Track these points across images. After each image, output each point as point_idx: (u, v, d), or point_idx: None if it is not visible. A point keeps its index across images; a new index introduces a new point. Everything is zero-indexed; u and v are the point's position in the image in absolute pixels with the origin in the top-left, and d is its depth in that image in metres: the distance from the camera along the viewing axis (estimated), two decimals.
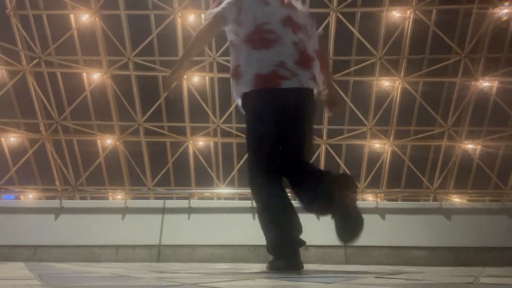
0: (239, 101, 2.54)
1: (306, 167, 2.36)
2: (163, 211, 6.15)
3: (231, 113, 12.14)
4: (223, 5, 2.44)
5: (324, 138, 12.44)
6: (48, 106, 11.77)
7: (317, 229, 6.12)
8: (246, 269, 2.97)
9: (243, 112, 2.53)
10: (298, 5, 2.62)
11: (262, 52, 2.38)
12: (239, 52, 2.48)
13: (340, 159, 12.52)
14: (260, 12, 2.42)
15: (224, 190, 12.09)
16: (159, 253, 5.80)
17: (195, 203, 6.39)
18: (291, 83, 2.34)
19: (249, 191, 2.51)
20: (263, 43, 2.39)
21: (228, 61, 11.69)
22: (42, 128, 12.21)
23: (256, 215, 2.56)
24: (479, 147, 12.16)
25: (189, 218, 6.08)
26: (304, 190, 2.30)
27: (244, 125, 2.53)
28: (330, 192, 2.10)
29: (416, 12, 11.13)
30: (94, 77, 11.90)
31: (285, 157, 2.38)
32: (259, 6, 2.44)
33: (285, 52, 2.38)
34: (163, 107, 12.28)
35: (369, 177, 12.43)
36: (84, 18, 11.29)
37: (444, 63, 11.53)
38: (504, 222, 5.91)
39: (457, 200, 9.49)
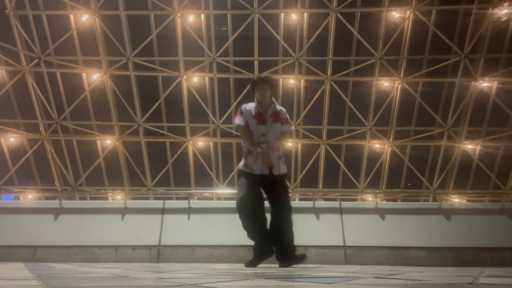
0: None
1: None
2: (163, 211, 6.15)
3: (230, 113, 12.13)
4: None
5: (323, 138, 12.43)
6: (47, 106, 11.76)
7: (317, 229, 6.11)
8: (246, 269, 2.97)
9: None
10: None
11: None
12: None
13: (339, 159, 12.51)
14: None
15: (224, 190, 12.07)
16: (159, 253, 5.80)
17: (194, 203, 6.38)
18: None
19: None
20: None
21: (227, 62, 11.73)
22: (41, 128, 12.20)
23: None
24: (478, 147, 12.15)
25: (188, 219, 6.08)
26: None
27: None
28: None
29: (416, 12, 11.14)
30: (94, 77, 11.89)
31: None
32: None
33: None
34: (163, 107, 12.27)
35: (369, 178, 12.42)
36: (83, 18, 11.28)
37: (443, 64, 11.52)
38: (504, 222, 5.91)
39: (456, 200, 9.47)
